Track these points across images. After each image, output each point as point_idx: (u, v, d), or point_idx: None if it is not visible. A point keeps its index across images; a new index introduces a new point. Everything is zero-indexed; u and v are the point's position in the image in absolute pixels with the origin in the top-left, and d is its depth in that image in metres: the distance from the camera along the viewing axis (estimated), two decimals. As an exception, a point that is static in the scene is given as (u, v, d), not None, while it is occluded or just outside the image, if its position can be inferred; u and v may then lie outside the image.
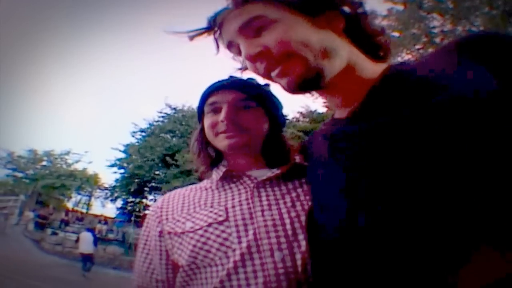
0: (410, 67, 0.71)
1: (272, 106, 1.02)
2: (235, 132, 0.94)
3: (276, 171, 0.92)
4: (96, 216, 26.89)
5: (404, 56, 8.74)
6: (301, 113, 17.43)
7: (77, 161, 30.34)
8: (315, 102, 16.91)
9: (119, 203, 25.03)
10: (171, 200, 0.99)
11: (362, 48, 0.76)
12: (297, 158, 0.96)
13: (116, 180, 24.41)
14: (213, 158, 1.03)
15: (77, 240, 13.87)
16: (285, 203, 0.86)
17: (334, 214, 0.66)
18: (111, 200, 25.33)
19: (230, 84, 0.99)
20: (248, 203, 0.87)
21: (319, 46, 0.69)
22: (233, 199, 0.90)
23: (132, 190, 22.72)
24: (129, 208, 24.41)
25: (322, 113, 15.58)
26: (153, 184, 22.36)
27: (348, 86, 0.73)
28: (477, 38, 0.63)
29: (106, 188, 27.94)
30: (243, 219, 0.84)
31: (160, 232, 0.94)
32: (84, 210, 28.91)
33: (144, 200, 24.42)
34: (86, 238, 11.98)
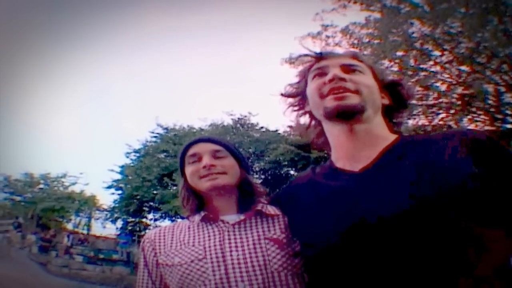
0: (418, 141, 0.97)
1: (240, 157, 1.26)
2: (216, 174, 1.16)
3: (242, 217, 1.15)
4: (97, 237, 26.54)
5: (385, 64, 8.76)
6: (291, 127, 15.75)
7: (73, 183, 29.95)
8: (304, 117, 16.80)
9: (120, 223, 24.68)
10: (162, 235, 1.22)
11: (389, 121, 1.08)
12: (260, 204, 1.18)
13: (115, 201, 24.13)
14: (197, 203, 1.23)
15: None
16: (248, 244, 1.10)
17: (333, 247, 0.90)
18: (112, 221, 25.08)
19: (207, 138, 1.24)
20: (220, 245, 1.11)
21: (375, 98, 1.02)
22: (209, 239, 1.14)
23: (131, 210, 22.40)
24: (129, 228, 24.04)
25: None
26: (152, 203, 22.00)
27: (365, 140, 0.99)
28: (474, 140, 0.87)
29: (105, 210, 27.56)
30: (217, 257, 1.09)
31: (157, 261, 1.18)
32: (84, 231, 28.25)
33: (144, 220, 24.19)
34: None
